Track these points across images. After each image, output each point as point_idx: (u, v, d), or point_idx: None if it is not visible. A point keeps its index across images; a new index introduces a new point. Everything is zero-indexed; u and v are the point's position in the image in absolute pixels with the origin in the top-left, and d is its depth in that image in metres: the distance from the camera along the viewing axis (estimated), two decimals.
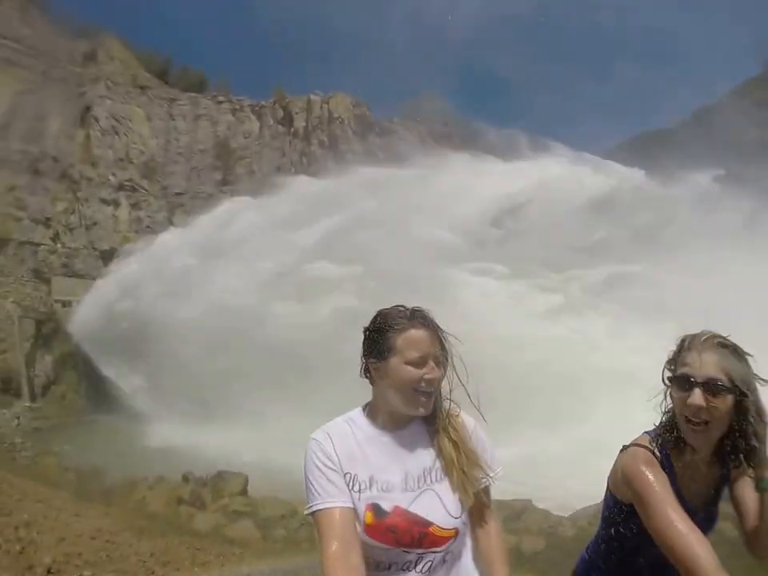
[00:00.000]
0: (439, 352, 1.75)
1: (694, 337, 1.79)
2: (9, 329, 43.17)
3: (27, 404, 38.99)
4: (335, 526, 1.48)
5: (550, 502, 14.71)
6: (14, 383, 39.58)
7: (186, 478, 15.70)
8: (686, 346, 1.79)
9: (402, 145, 47.51)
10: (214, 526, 12.83)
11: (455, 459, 1.71)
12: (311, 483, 1.59)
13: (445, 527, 1.63)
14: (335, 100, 49.76)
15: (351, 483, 1.64)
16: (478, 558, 1.82)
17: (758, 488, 1.68)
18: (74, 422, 36.77)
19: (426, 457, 1.74)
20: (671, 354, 1.85)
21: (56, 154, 47.79)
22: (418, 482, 1.70)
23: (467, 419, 1.88)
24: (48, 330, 42.82)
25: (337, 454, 1.65)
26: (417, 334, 1.72)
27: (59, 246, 45.68)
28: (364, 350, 1.82)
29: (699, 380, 1.66)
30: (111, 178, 46.36)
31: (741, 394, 1.67)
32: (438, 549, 1.65)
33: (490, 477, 1.80)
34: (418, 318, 1.77)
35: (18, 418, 35.83)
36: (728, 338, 1.77)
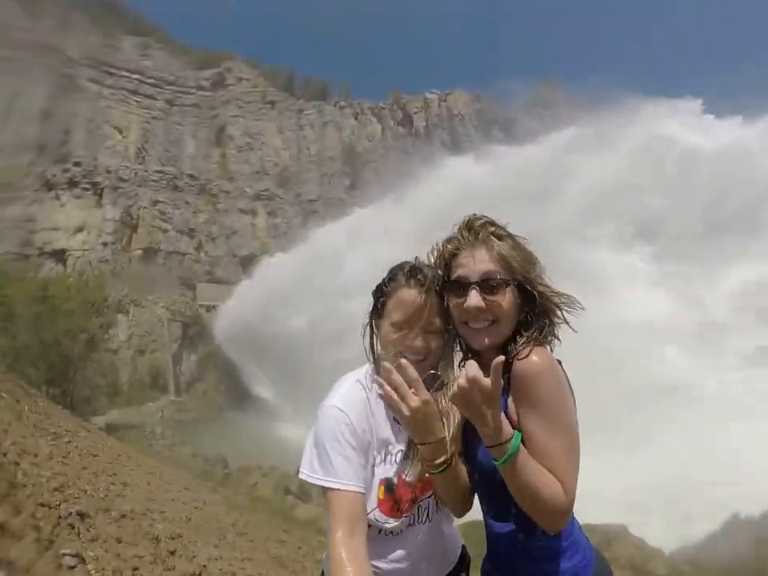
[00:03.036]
0: (435, 321, 1.57)
1: (463, 231, 1.55)
2: (159, 331, 46.68)
3: (172, 398, 42.76)
4: (344, 510, 1.43)
5: (650, 528, 13.53)
6: (162, 380, 43.94)
7: (298, 471, 16.70)
8: (458, 245, 1.55)
9: (527, 134, 46.89)
10: (312, 518, 13.41)
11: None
12: (327, 455, 1.48)
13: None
14: (453, 97, 50.12)
15: (372, 458, 1.58)
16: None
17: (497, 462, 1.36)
18: (211, 417, 39.33)
19: None
20: (439, 257, 1.60)
21: (193, 172, 51.02)
22: (414, 451, 1.63)
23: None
24: (193, 332, 46.70)
25: (358, 430, 1.53)
26: (408, 294, 1.58)
27: (202, 254, 48.12)
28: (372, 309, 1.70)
29: (473, 279, 1.48)
30: (248, 189, 48.74)
31: (521, 282, 1.50)
32: (429, 492, 1.66)
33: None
34: (417, 276, 1.59)
35: (162, 410, 38.94)
36: (504, 225, 1.56)
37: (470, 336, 1.52)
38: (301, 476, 1.54)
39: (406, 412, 1.44)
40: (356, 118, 52.10)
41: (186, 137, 53.78)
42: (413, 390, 1.43)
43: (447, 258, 1.55)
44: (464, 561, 1.82)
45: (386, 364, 1.44)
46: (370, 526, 1.56)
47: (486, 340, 1.49)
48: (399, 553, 1.65)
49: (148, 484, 8.34)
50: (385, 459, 1.61)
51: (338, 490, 1.44)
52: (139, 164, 52.60)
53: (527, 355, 1.44)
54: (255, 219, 48.30)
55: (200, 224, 48.84)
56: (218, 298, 46.26)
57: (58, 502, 4.30)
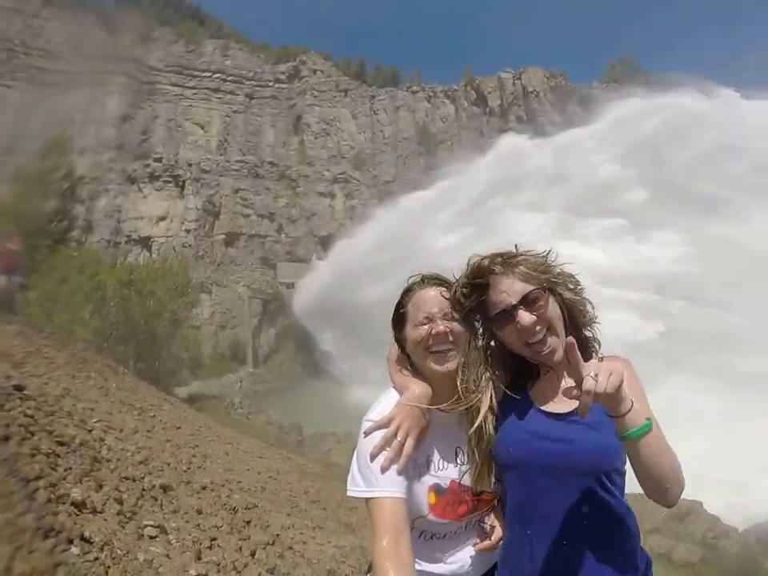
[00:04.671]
0: (451, 310, 1.63)
1: (477, 273, 1.62)
2: (240, 308, 48.54)
3: (250, 370, 44.48)
4: (386, 517, 1.43)
5: (725, 508, 12.74)
6: (241, 352, 45.88)
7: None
8: (480, 285, 1.61)
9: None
10: None
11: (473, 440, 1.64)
12: (369, 467, 1.51)
13: (492, 491, 1.66)
14: (527, 74, 50.15)
15: (411, 467, 1.58)
16: None
17: (620, 437, 1.39)
18: (288, 386, 40.13)
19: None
20: (463, 307, 1.63)
21: (273, 160, 53.00)
22: (468, 455, 1.67)
23: None
24: (273, 308, 48.18)
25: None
26: (424, 294, 1.66)
27: (283, 236, 49.65)
28: (392, 325, 1.78)
29: (515, 301, 1.54)
30: (326, 173, 50.13)
31: (552, 287, 1.58)
32: (484, 510, 1.71)
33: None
34: (430, 279, 1.70)
35: (241, 381, 40.52)
36: (505, 251, 1.63)
37: (536, 353, 1.57)
38: (348, 494, 1.56)
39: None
40: (429, 101, 53.05)
41: (266, 127, 55.99)
42: None
43: (474, 302, 1.61)
44: None
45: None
46: (423, 531, 1.64)
47: (550, 347, 1.54)
48: (452, 556, 1.68)
49: (226, 455, 8.54)
50: (429, 468, 1.63)
51: (379, 498, 1.46)
52: (221, 155, 55.11)
53: (613, 359, 1.53)
54: (333, 201, 49.59)
55: (280, 208, 50.51)
56: (298, 276, 47.54)
57: (142, 475, 4.42)
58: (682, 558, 9.88)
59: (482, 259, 1.60)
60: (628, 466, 1.47)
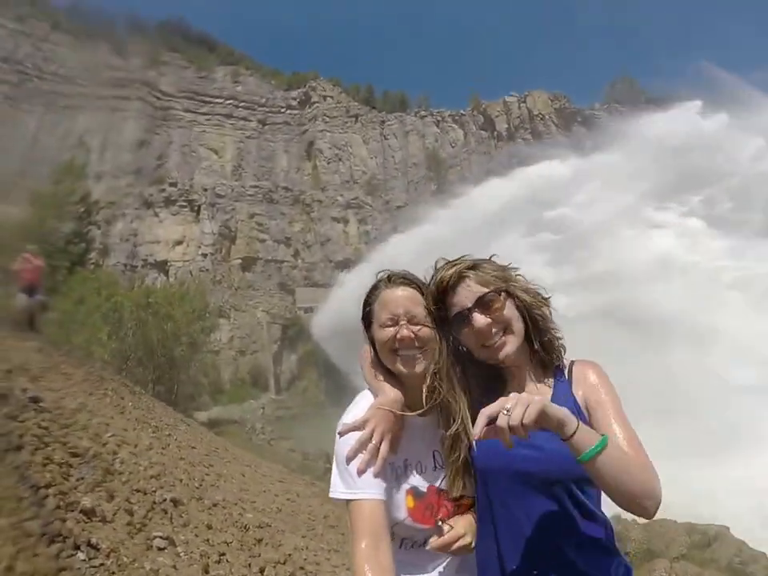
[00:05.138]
0: (418, 311, 1.60)
1: (437, 279, 1.61)
2: (259, 333, 49.94)
3: (272, 396, 45.53)
4: (365, 519, 1.44)
5: (752, 533, 12.47)
6: (263, 378, 47.25)
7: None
8: (441, 288, 1.60)
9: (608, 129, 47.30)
10: None
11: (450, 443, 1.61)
12: (347, 470, 1.52)
13: (471, 495, 1.62)
14: (532, 98, 51.42)
15: (391, 471, 1.59)
16: None
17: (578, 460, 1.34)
18: (312, 413, 39.67)
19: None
20: (434, 316, 1.63)
21: (287, 185, 54.33)
22: (444, 459, 1.65)
23: None
24: (293, 333, 49.45)
25: None
26: (389, 294, 1.63)
27: (299, 261, 50.88)
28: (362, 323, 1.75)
29: (470, 304, 1.54)
30: (339, 198, 51.40)
31: (511, 290, 1.58)
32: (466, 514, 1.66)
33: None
34: (397, 278, 1.66)
35: (263, 407, 40.89)
36: (468, 258, 1.63)
37: (491, 354, 1.56)
38: (330, 495, 1.56)
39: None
40: (437, 126, 54.35)
41: (279, 152, 57.44)
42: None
43: (438, 301, 1.62)
44: None
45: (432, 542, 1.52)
46: (404, 539, 1.61)
47: (507, 348, 1.55)
48: (435, 565, 1.64)
49: (242, 476, 8.51)
50: (406, 471, 1.62)
51: (358, 500, 1.46)
52: (236, 180, 56.40)
53: (582, 364, 1.62)
54: (347, 227, 50.91)
55: (296, 233, 51.77)
56: (317, 300, 48.46)
57: (153, 489, 4.48)
58: None
59: (446, 264, 1.62)
60: None
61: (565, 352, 1.65)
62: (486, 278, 1.57)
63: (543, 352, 1.61)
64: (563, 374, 1.61)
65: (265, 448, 21.65)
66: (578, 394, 1.55)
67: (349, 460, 1.51)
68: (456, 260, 1.63)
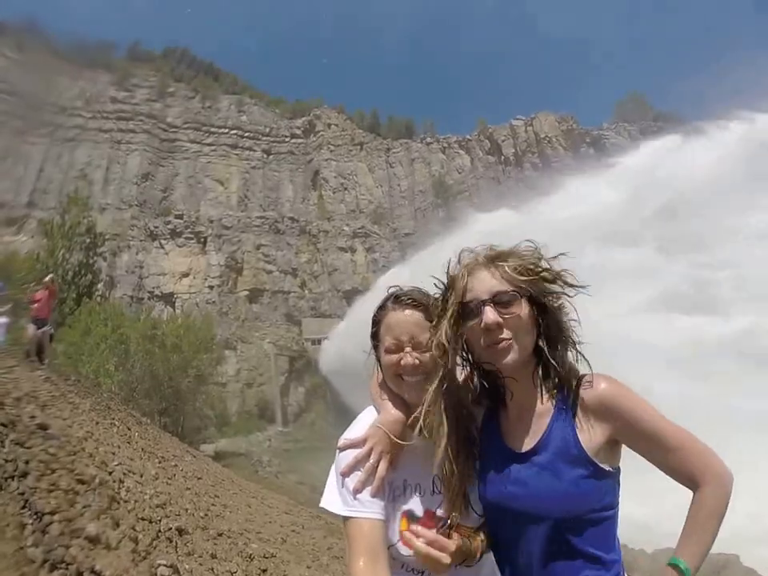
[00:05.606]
0: (423, 337, 1.51)
1: (467, 264, 1.48)
2: (266, 365, 49.20)
3: (280, 429, 44.98)
4: (364, 538, 1.41)
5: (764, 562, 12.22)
6: (269, 411, 46.50)
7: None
8: (462, 273, 1.47)
9: (616, 149, 46.84)
10: None
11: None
12: (345, 486, 1.49)
13: (470, 525, 1.55)
14: (539, 120, 51.02)
15: (386, 491, 1.53)
16: None
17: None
18: (321, 446, 38.44)
19: None
20: (439, 304, 1.50)
21: (293, 215, 54.01)
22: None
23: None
24: (300, 365, 48.57)
25: None
26: (394, 317, 1.56)
27: (306, 292, 50.35)
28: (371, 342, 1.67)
29: (484, 297, 1.41)
30: (345, 228, 50.96)
31: (534, 295, 1.43)
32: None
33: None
34: (403, 299, 1.58)
35: (270, 440, 40.76)
36: (494, 247, 1.50)
37: (493, 357, 1.45)
38: (321, 504, 1.54)
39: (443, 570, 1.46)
40: (443, 152, 54.04)
41: (284, 182, 57.27)
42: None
43: (457, 290, 1.48)
44: None
45: (406, 534, 1.48)
46: (404, 563, 1.56)
47: (510, 356, 1.43)
48: None
49: (248, 507, 8.49)
50: (404, 493, 1.58)
51: (357, 518, 1.45)
52: (242, 211, 56.29)
53: (592, 384, 1.43)
54: (355, 256, 50.35)
55: (302, 263, 51.28)
56: (324, 331, 47.89)
57: (159, 518, 4.47)
58: None
59: (469, 249, 1.52)
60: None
61: (578, 365, 1.47)
62: (510, 272, 1.44)
63: (551, 366, 1.45)
64: (566, 397, 1.44)
65: (272, 481, 21.56)
66: (591, 427, 1.39)
67: (346, 476, 1.50)
68: (481, 247, 1.53)
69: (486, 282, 1.44)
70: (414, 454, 1.58)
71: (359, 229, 51.29)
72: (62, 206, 35.41)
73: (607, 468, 1.39)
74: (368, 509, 1.45)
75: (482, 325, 1.40)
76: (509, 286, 1.42)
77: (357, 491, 1.47)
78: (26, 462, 3.63)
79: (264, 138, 60.82)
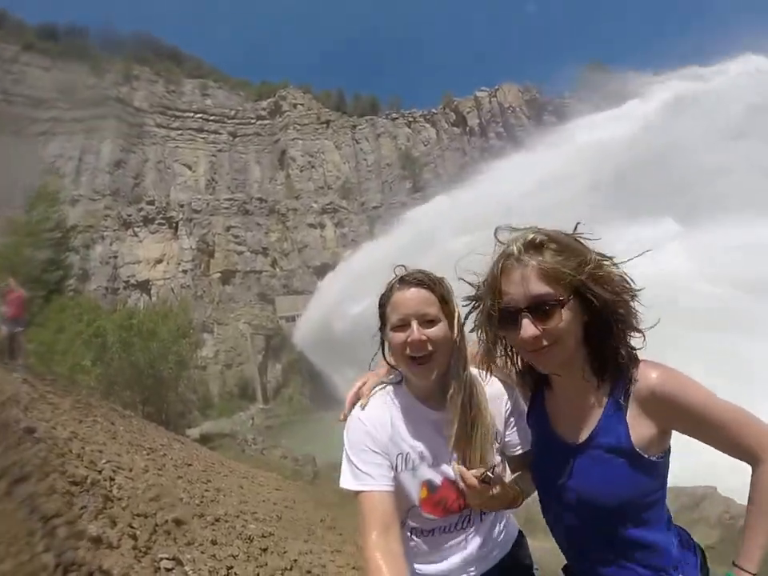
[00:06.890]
0: (430, 310, 1.53)
1: (501, 257, 1.37)
2: (243, 345, 49.34)
3: (261, 406, 45.43)
4: (375, 510, 1.46)
5: (740, 492, 12.66)
6: (250, 389, 46.89)
7: None
8: (496, 272, 1.37)
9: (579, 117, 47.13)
10: None
11: (453, 439, 1.57)
12: (353, 462, 1.55)
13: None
14: (502, 91, 51.41)
15: (404, 462, 1.60)
16: None
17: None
18: (300, 420, 40.21)
19: None
20: (477, 291, 1.49)
21: (261, 195, 54.14)
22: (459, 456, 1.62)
23: (495, 389, 1.67)
24: (276, 342, 48.95)
25: (381, 436, 1.58)
26: (400, 295, 1.57)
27: (278, 270, 50.62)
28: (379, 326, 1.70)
29: (522, 305, 1.30)
30: (314, 204, 51.21)
31: (581, 288, 1.29)
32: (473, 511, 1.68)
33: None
34: (409, 278, 1.59)
35: (253, 418, 41.36)
36: (542, 229, 1.35)
37: (535, 361, 1.39)
38: (341, 485, 1.57)
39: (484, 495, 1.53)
40: (409, 126, 54.35)
41: (251, 164, 57.29)
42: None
43: (492, 285, 1.39)
44: (521, 545, 1.83)
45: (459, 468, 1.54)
46: (413, 528, 1.64)
47: (552, 362, 1.36)
48: (444, 555, 1.67)
49: (241, 488, 8.49)
50: (422, 463, 1.61)
51: (367, 492, 1.48)
52: (210, 194, 56.25)
53: (642, 374, 1.35)
54: (324, 231, 50.65)
55: (272, 242, 51.53)
56: (297, 309, 48.34)
57: (154, 511, 4.47)
58: (700, 542, 10.16)
59: (521, 240, 1.35)
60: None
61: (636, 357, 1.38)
62: (551, 268, 1.28)
63: (604, 360, 1.37)
64: (619, 387, 1.36)
65: (258, 458, 21.27)
66: (643, 420, 1.34)
67: (354, 449, 1.55)
68: (520, 232, 1.37)
69: (521, 285, 1.31)
70: (429, 425, 1.61)
71: (327, 205, 51.57)
72: (29, 202, 35.00)
73: (658, 458, 1.35)
74: (377, 481, 1.49)
75: (519, 338, 1.32)
76: (547, 287, 1.28)
77: (367, 463, 1.51)
78: (22, 467, 3.73)
79: (229, 121, 60.62)
